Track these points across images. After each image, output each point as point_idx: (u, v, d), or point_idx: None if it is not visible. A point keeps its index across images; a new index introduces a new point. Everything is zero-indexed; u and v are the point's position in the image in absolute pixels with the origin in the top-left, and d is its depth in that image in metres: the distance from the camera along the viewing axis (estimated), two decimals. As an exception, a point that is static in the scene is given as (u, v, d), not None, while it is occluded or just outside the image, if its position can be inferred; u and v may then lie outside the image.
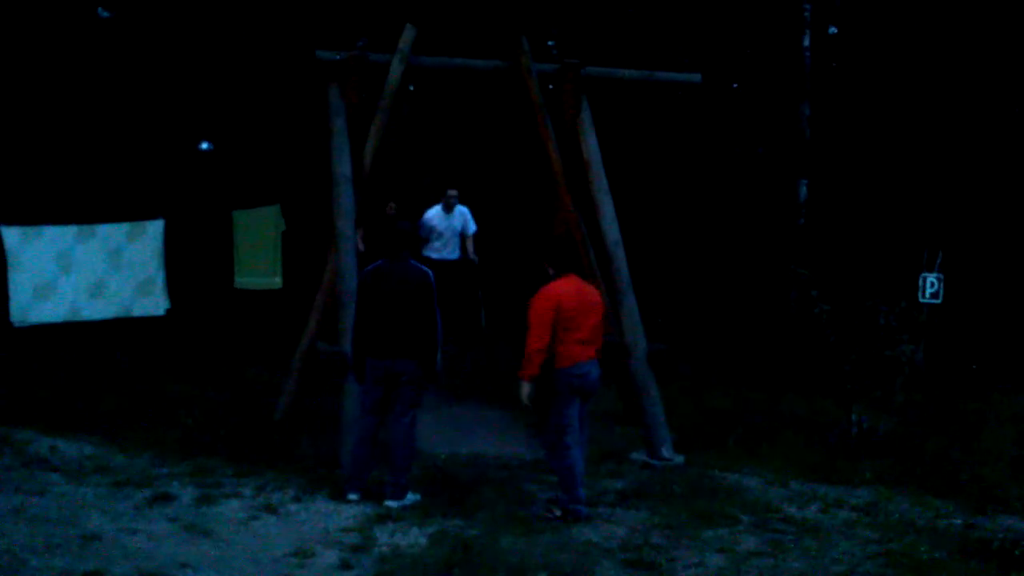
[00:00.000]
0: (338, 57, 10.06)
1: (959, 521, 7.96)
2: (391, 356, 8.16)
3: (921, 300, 11.94)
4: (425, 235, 12.87)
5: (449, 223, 13.05)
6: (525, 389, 7.86)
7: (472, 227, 13.18)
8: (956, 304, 13.19)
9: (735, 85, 20.62)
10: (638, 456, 9.77)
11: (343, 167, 9.97)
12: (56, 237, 11.16)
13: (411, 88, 10.77)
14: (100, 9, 19.66)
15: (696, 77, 11.30)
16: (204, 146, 20.66)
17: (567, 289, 8.00)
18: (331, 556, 6.83)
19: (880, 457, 9.77)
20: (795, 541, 7.36)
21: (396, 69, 10.14)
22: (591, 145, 10.56)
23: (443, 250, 13.06)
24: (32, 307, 10.95)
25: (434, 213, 13.04)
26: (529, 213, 10.71)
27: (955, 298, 12.95)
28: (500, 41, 11.05)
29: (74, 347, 13.30)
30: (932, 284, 11.95)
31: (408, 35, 10.21)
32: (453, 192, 12.94)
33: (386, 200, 13.32)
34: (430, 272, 8.42)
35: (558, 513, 7.83)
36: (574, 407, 7.97)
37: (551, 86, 10.90)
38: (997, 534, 7.55)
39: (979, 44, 17.44)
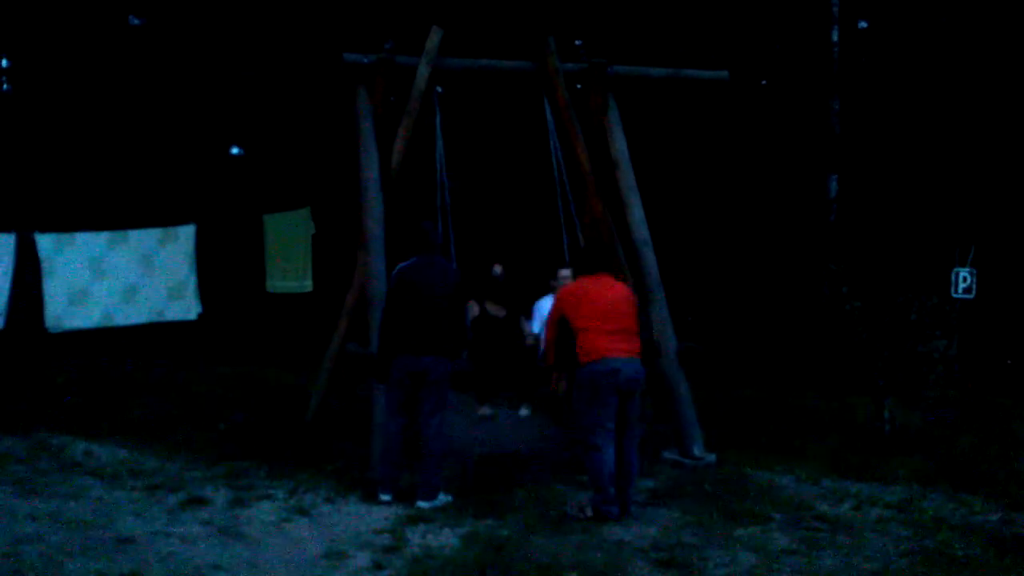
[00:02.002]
0: (366, 60, 10.08)
1: (995, 517, 7.89)
2: (420, 353, 8.18)
3: (954, 295, 11.84)
4: (540, 329, 10.77)
5: None
6: (560, 384, 8.30)
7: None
8: (989, 299, 13.08)
9: (764, 82, 20.52)
10: (669, 455, 9.75)
11: (371, 170, 9.99)
12: (89, 243, 11.27)
13: (439, 90, 10.71)
14: (131, 17, 19.82)
15: (724, 74, 11.25)
16: (234, 151, 20.78)
17: (591, 284, 8.03)
18: (363, 558, 6.83)
19: (913, 454, 9.72)
20: (828, 539, 7.31)
21: (423, 71, 10.15)
22: (619, 144, 10.55)
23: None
24: (66, 313, 11.07)
25: (548, 302, 10.38)
26: (555, 214, 10.65)
27: (988, 293, 12.84)
28: (527, 42, 11.04)
29: (108, 352, 13.40)
30: (965, 279, 11.85)
31: (435, 37, 10.22)
32: (566, 272, 10.40)
33: (491, 260, 11.99)
34: (459, 272, 8.46)
35: (589, 513, 7.80)
36: (605, 406, 7.79)
37: (578, 86, 10.87)
38: (1034, 530, 7.50)
39: (1011, 36, 17.29)
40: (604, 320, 7.88)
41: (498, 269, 11.50)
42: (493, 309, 11.37)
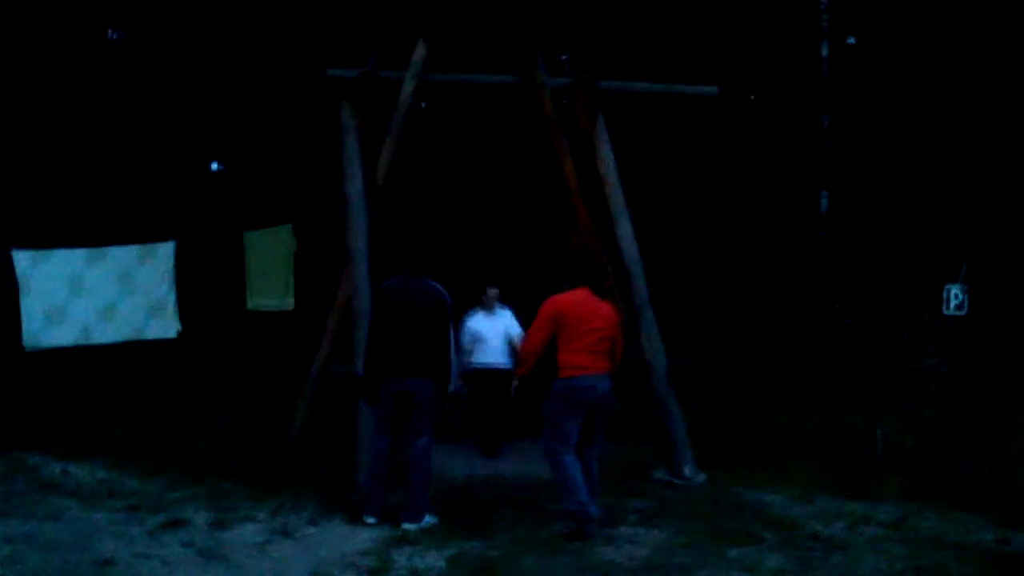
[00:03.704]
0: (350, 75, 10.00)
1: (990, 536, 7.80)
2: (405, 374, 8.04)
3: (945, 312, 11.75)
4: (468, 344, 11.53)
5: (493, 325, 11.62)
6: (514, 383, 8.53)
7: (517, 329, 11.48)
8: (982, 316, 13.01)
9: (752, 97, 20.52)
10: (660, 475, 9.64)
11: (355, 186, 9.88)
12: (67, 260, 11.12)
13: (423, 105, 10.60)
14: (110, 31, 19.71)
15: (713, 90, 11.16)
16: (215, 167, 20.68)
17: (574, 299, 8.03)
18: (348, 580, 6.71)
19: (907, 472, 9.64)
20: (821, 558, 7.21)
21: (408, 86, 10.08)
22: (607, 160, 10.43)
23: (489, 357, 11.53)
24: (44, 331, 10.91)
25: (477, 318, 11.70)
26: (545, 232, 10.55)
27: (980, 310, 12.77)
28: (513, 57, 10.96)
29: (86, 371, 13.23)
30: (957, 296, 11.76)
31: (420, 52, 10.14)
32: (494, 291, 11.67)
33: (484, 281, 12.03)
34: (446, 292, 8.32)
35: (573, 525, 7.70)
36: (574, 419, 7.87)
37: (564, 100, 10.79)
38: (1030, 549, 7.41)
39: (1000, 53, 17.32)
40: (582, 338, 7.93)
41: (494, 292, 11.70)
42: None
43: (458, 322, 10.92)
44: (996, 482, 9.16)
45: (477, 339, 11.55)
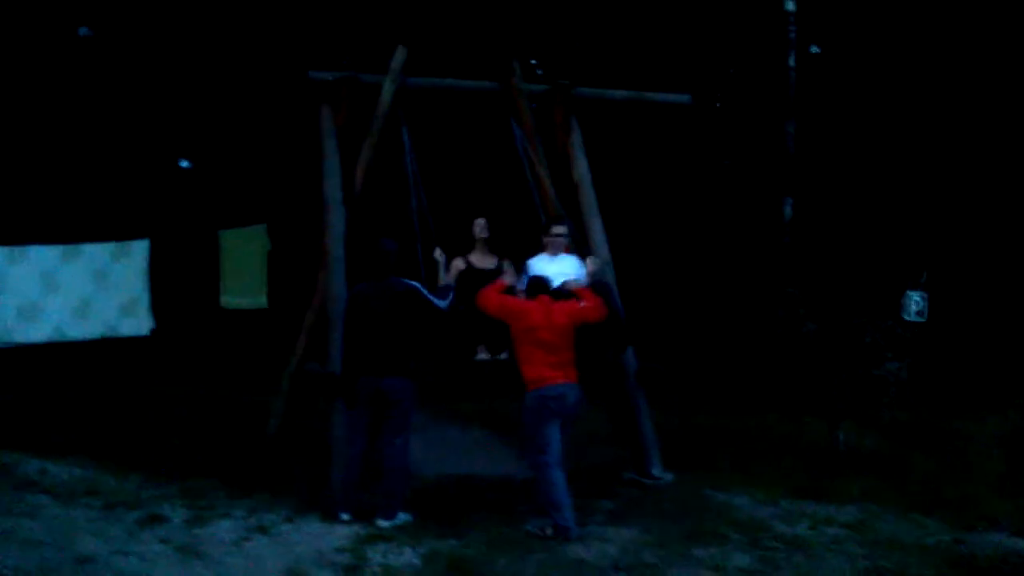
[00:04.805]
0: (330, 77, 10.07)
1: (947, 538, 7.99)
2: (379, 373, 8.19)
3: (906, 319, 11.98)
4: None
5: (560, 269, 9.61)
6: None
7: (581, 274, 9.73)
8: (941, 322, 13.25)
9: (718, 104, 20.73)
10: (628, 475, 9.79)
11: (334, 189, 9.96)
12: (41, 257, 11.11)
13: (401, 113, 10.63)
14: (82, 28, 19.64)
15: (685, 98, 11.35)
16: (190, 165, 20.63)
17: (535, 309, 8.34)
18: (324, 576, 6.82)
19: (868, 474, 9.83)
20: (785, 558, 7.38)
21: (388, 90, 10.16)
22: (581, 166, 10.60)
23: None
24: (16, 327, 10.89)
25: (538, 260, 9.83)
26: (518, 234, 10.64)
27: (940, 316, 13.00)
28: (491, 63, 11.08)
29: (59, 368, 13.24)
30: (917, 302, 11.98)
31: (400, 56, 10.23)
32: (560, 228, 9.83)
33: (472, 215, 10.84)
34: (417, 284, 8.47)
35: (549, 532, 7.85)
36: (551, 427, 8.06)
37: (534, 105, 10.88)
38: (985, 551, 7.61)
39: (960, 63, 17.60)
40: (547, 352, 8.18)
41: (481, 222, 11.11)
42: (479, 261, 10.98)
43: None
44: (953, 485, 9.37)
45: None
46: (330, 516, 8.19)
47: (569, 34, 19.11)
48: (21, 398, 12.24)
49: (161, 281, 11.68)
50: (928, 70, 17.82)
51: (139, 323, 11.48)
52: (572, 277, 9.63)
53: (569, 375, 8.22)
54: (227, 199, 18.13)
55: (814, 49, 20.53)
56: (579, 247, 10.35)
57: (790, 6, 18.08)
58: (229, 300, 12.25)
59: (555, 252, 9.73)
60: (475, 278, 10.39)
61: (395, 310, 8.31)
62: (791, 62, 18.03)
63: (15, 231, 12.70)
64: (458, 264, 10.25)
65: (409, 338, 8.32)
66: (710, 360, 16.09)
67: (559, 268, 9.59)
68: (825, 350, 10.86)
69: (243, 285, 11.97)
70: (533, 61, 19.47)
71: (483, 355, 10.43)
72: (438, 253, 10.56)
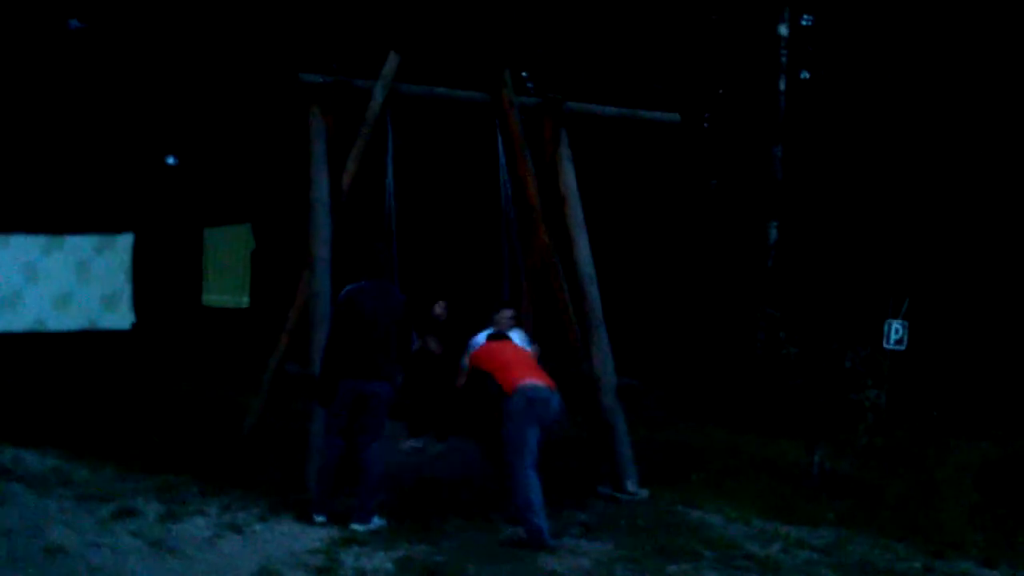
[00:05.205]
0: (321, 80, 10.07)
1: (918, 564, 8.02)
2: (365, 377, 8.18)
3: (886, 347, 12.06)
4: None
5: None
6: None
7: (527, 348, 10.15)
8: (920, 350, 13.35)
9: (706, 125, 20.84)
10: (603, 489, 9.79)
11: (321, 191, 9.94)
12: (24, 246, 11.11)
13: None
14: (72, 20, 19.62)
15: (675, 117, 11.43)
16: (176, 162, 20.61)
17: (496, 345, 8.92)
18: (297, 578, 6.81)
19: (842, 498, 9.86)
20: (757, 579, 7.42)
21: (379, 95, 10.15)
22: (569, 179, 10.63)
23: None
24: (-3, 316, 10.89)
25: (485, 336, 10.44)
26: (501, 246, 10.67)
27: (919, 344, 13.10)
28: (482, 74, 11.10)
29: (39, 358, 13.20)
30: (897, 331, 12.09)
31: (392, 62, 10.24)
32: (509, 312, 10.40)
33: (433, 297, 11.55)
34: (404, 298, 8.50)
35: (523, 535, 7.88)
36: (531, 431, 8.05)
37: (520, 117, 10.88)
38: (955, 579, 7.66)
39: (945, 92, 17.74)
40: (515, 364, 8.45)
41: (440, 307, 11.30)
42: (432, 345, 11.20)
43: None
44: (925, 512, 9.41)
45: None
46: (304, 517, 8.16)
47: (561, 49, 19.16)
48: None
49: (144, 276, 11.67)
50: (917, 101, 17.95)
51: (120, 317, 11.49)
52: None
53: (549, 382, 8.29)
54: (212, 197, 18.11)
55: (804, 75, 20.68)
56: (563, 259, 10.41)
57: (783, 31, 18.22)
58: (211, 298, 12.26)
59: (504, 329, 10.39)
60: (425, 361, 10.64)
61: (390, 315, 8.32)
62: (781, 86, 18.14)
63: (-1, 219, 12.68)
64: (430, 343, 10.45)
65: (396, 345, 8.33)
66: (689, 378, 16.13)
67: None
68: (804, 373, 10.91)
69: (226, 284, 11.96)
70: (524, 74, 19.54)
71: (414, 443, 10.63)
72: (440, 307, 10.79)
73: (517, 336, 10.33)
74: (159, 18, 18.34)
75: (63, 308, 11.25)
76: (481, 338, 10.37)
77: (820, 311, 11.75)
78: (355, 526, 7.99)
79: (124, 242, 11.52)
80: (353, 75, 10.22)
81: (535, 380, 8.22)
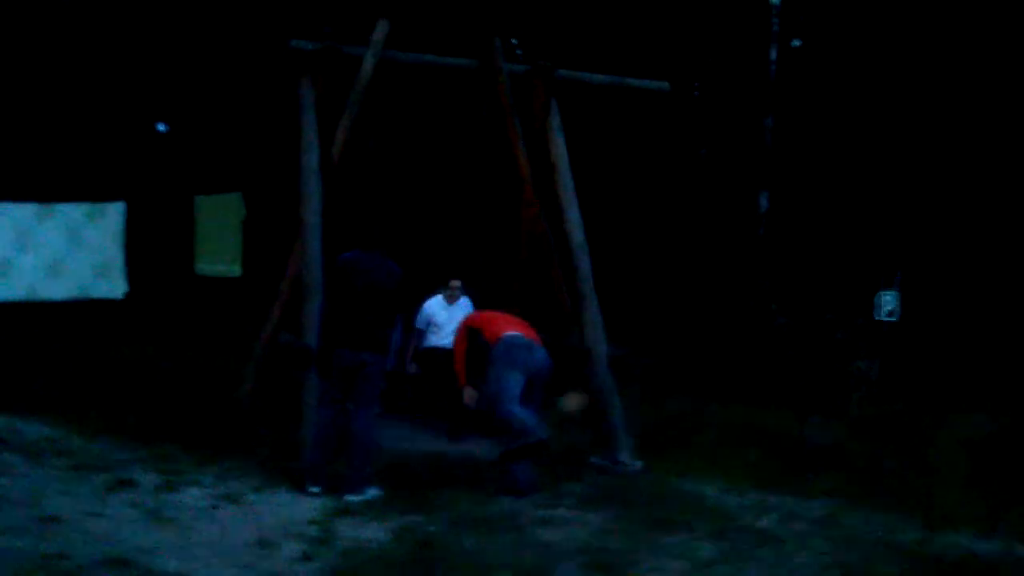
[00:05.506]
0: (311, 47, 10.00)
1: (912, 536, 8.01)
2: (359, 348, 8.17)
3: (877, 318, 12.04)
4: (422, 326, 11.59)
5: (451, 315, 11.36)
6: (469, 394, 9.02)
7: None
8: (913, 321, 13.34)
9: (696, 93, 20.77)
10: (597, 460, 9.80)
11: (312, 159, 9.92)
12: (16, 214, 11.06)
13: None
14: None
15: (665, 85, 11.39)
16: (167, 129, 20.50)
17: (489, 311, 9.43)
18: (293, 548, 6.80)
19: (835, 470, 9.86)
20: (752, 551, 7.39)
21: (369, 62, 10.12)
22: (559, 148, 10.60)
23: (444, 340, 11.12)
24: (-10, 284, 10.85)
25: (435, 303, 11.64)
26: (496, 214, 10.68)
27: (912, 315, 13.09)
28: (472, 41, 11.05)
29: (32, 327, 13.16)
30: (889, 302, 12.06)
31: (382, 30, 10.20)
32: (456, 283, 11.57)
33: (448, 275, 11.90)
34: (401, 270, 8.48)
35: (522, 481, 8.29)
36: (516, 377, 8.35)
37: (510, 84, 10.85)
38: (949, 550, 7.65)
39: (939, 64, 17.69)
40: (501, 320, 8.92)
41: (456, 284, 11.68)
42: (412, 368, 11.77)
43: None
44: (920, 484, 9.43)
45: (432, 324, 11.55)
46: (299, 487, 8.19)
47: (550, 17, 19.04)
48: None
49: (136, 244, 11.62)
50: (908, 69, 17.90)
51: (112, 286, 11.47)
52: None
53: (534, 336, 8.72)
54: (203, 165, 18.03)
55: (796, 43, 20.60)
56: (553, 229, 10.41)
57: (774, -1, 18.17)
58: (203, 267, 12.23)
59: (451, 301, 11.57)
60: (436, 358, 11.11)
61: (384, 284, 8.33)
62: (772, 55, 18.08)
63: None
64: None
65: (390, 315, 8.34)
66: (681, 349, 16.13)
67: (452, 314, 11.35)
68: (796, 344, 10.91)
69: (217, 252, 11.94)
70: (514, 41, 19.41)
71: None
72: (457, 285, 11.51)
73: (465, 304, 11.58)
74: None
75: (55, 277, 11.23)
76: (432, 303, 11.54)
77: (812, 281, 11.75)
78: (349, 497, 8.02)
79: (116, 210, 11.49)
80: (344, 42, 10.15)
81: (519, 331, 8.65)
